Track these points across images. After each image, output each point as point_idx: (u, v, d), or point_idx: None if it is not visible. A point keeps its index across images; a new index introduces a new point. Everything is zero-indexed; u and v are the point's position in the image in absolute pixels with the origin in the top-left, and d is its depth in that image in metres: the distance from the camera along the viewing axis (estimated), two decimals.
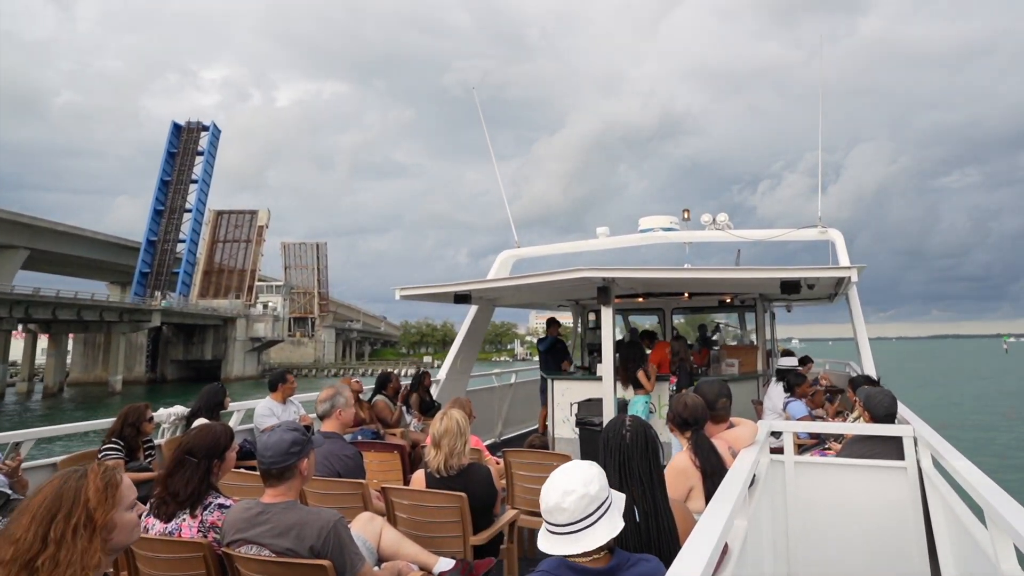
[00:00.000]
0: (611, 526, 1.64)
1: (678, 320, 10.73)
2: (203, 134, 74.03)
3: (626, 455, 2.06)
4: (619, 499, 1.72)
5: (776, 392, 6.15)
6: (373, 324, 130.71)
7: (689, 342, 9.41)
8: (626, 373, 6.09)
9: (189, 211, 71.30)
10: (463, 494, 3.06)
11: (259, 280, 77.96)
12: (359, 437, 5.00)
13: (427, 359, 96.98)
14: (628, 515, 1.90)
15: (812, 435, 5.19)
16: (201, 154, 73.08)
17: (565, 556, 1.63)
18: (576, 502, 1.61)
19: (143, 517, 2.41)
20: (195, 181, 71.94)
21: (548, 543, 1.65)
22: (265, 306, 74.50)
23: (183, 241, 70.27)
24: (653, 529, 1.96)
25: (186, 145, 72.64)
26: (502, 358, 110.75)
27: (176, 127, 72.92)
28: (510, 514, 3.49)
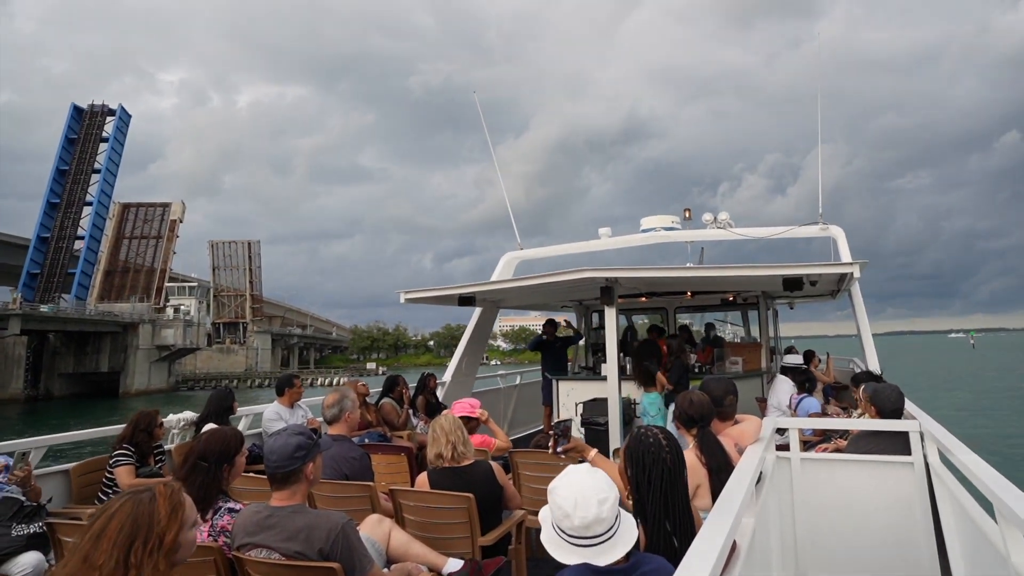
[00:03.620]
0: (632, 529, 1.65)
1: (641, 320, 10.74)
2: (109, 119, 65.34)
3: (669, 481, 1.91)
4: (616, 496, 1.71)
5: (782, 389, 6.12)
6: (324, 329, 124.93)
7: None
8: (642, 372, 6.10)
9: (90, 204, 62.17)
10: (470, 495, 3.07)
11: (171, 280, 69.01)
12: (366, 440, 5.02)
13: (371, 365, 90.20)
14: (667, 542, 1.86)
15: (817, 432, 5.18)
16: (106, 140, 64.37)
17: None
18: (608, 512, 1.60)
19: None
20: (99, 171, 63.21)
21: (574, 555, 1.59)
22: (176, 310, 65.65)
23: (82, 237, 61.17)
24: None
25: (88, 131, 64.08)
26: None
27: (76, 110, 64.41)
28: (518, 514, 3.50)
